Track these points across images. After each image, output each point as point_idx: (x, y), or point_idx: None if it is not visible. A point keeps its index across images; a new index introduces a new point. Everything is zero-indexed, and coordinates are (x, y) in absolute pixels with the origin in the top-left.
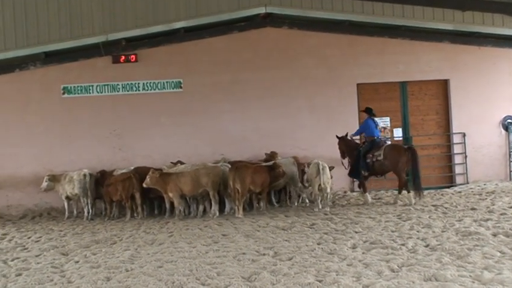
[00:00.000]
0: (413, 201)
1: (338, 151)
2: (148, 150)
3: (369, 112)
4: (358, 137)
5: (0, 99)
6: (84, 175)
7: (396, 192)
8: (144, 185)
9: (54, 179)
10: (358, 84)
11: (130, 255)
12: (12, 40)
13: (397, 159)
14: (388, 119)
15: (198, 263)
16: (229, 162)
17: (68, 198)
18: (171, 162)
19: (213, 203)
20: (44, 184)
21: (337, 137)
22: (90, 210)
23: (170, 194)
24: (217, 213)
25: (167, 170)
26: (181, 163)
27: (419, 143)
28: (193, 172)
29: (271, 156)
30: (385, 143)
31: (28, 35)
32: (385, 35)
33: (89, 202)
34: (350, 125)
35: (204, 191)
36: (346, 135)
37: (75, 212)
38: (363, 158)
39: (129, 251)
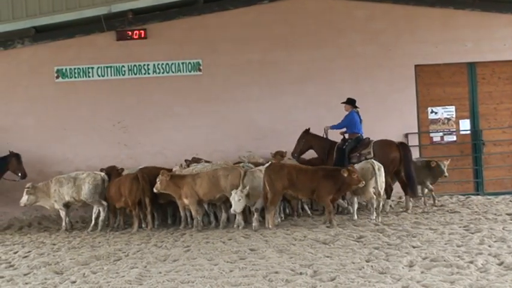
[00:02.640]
0: (410, 205)
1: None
2: (159, 147)
3: (353, 104)
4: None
5: None
6: (103, 179)
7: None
8: (155, 190)
9: (36, 190)
10: (416, 66)
11: (138, 274)
12: None
13: (388, 157)
14: (452, 108)
15: (221, 284)
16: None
17: (66, 205)
18: (186, 161)
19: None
20: (24, 198)
21: (306, 131)
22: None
23: (185, 201)
24: (243, 223)
25: (179, 170)
26: (197, 160)
27: (491, 138)
28: (211, 173)
29: (278, 156)
30: (370, 140)
31: (14, 6)
32: (449, 5)
33: (104, 210)
34: (406, 116)
35: (223, 196)
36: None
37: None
38: (347, 157)
39: (136, 269)
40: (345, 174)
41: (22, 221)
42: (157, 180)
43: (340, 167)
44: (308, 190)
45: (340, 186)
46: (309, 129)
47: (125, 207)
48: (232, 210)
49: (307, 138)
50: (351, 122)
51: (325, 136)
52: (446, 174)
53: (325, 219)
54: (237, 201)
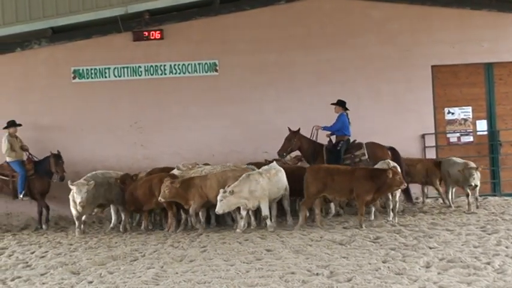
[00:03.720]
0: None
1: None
2: (176, 147)
3: (343, 106)
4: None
5: None
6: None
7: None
8: (161, 199)
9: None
10: (432, 67)
11: (155, 275)
12: (12, 13)
13: (382, 158)
14: (469, 109)
15: (237, 285)
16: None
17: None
18: (183, 165)
19: (243, 215)
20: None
21: (292, 130)
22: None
23: (191, 203)
24: (242, 228)
25: (182, 171)
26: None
27: (508, 138)
28: (220, 174)
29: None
30: (360, 142)
31: (31, 7)
32: (466, 6)
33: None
34: (423, 117)
35: None
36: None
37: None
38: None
39: (153, 270)
40: (390, 175)
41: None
42: (165, 188)
43: (381, 168)
44: (346, 191)
45: (381, 187)
46: (299, 129)
47: (153, 209)
48: (216, 211)
49: (297, 139)
50: (343, 124)
51: (314, 136)
52: (472, 184)
53: (357, 219)
54: (218, 201)
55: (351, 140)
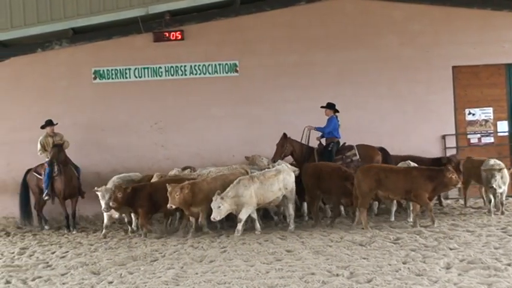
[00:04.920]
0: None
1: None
2: (196, 148)
3: (334, 108)
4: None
5: (19, 85)
6: None
7: None
8: (172, 206)
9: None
10: (453, 67)
11: (175, 275)
12: (33, 14)
13: (373, 159)
14: (490, 109)
15: (257, 285)
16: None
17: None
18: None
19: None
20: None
21: (283, 136)
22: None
23: (195, 209)
24: (240, 232)
25: (178, 175)
26: (190, 168)
27: None
28: (222, 178)
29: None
30: (349, 144)
31: (52, 8)
32: (487, 7)
33: None
34: (443, 118)
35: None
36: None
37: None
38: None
39: (173, 270)
40: (448, 175)
41: (59, 221)
42: (174, 195)
43: (437, 167)
44: (401, 190)
45: (437, 186)
46: (286, 134)
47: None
48: (212, 218)
49: (289, 143)
50: (334, 127)
51: (306, 136)
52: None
53: (428, 218)
54: (216, 208)
55: (341, 143)
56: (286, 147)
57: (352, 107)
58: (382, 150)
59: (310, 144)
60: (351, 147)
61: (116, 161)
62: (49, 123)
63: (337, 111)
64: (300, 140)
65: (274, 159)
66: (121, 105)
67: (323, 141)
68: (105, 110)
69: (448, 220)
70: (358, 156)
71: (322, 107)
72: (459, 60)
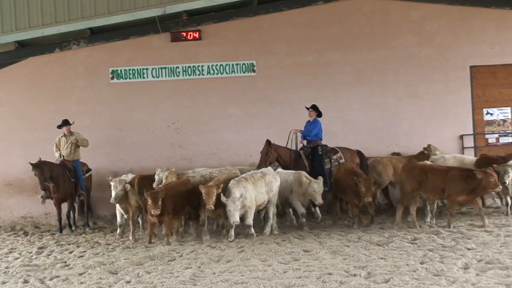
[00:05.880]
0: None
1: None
2: (213, 147)
3: (318, 110)
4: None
5: (37, 85)
6: None
7: None
8: (210, 208)
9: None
10: (471, 67)
11: (192, 275)
12: (51, 14)
13: (354, 161)
14: (508, 109)
15: (274, 285)
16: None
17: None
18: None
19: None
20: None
21: (266, 143)
22: None
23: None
24: (233, 236)
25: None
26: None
27: None
28: (229, 178)
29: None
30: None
31: (70, 8)
32: (505, 6)
33: None
34: (461, 117)
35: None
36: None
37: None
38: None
39: (190, 270)
40: (486, 177)
41: (77, 221)
42: (209, 195)
43: (475, 169)
44: (438, 190)
45: (475, 189)
46: (269, 141)
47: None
48: (231, 223)
49: (274, 150)
50: (320, 129)
51: (292, 139)
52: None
53: (447, 220)
54: (234, 211)
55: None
56: (270, 154)
57: (369, 107)
58: (359, 153)
59: (295, 148)
60: (335, 151)
61: (133, 160)
62: (65, 123)
63: (321, 115)
64: (285, 145)
65: (259, 167)
66: (138, 105)
67: (305, 142)
68: (122, 109)
69: (465, 220)
70: (343, 159)
71: (307, 108)
72: (477, 60)
